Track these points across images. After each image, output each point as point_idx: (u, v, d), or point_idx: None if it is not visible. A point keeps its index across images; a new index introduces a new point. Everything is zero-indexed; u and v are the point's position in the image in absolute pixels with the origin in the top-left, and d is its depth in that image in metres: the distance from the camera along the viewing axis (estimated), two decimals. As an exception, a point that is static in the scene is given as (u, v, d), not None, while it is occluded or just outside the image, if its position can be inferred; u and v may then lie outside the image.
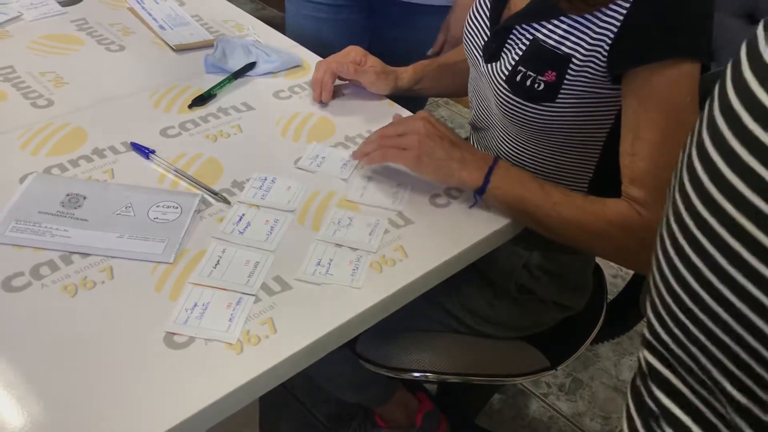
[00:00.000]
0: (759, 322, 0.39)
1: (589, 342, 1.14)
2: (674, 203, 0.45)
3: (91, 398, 0.65)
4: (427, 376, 1.08)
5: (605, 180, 0.94)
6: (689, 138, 0.45)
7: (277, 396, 1.58)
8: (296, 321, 0.75)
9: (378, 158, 0.93)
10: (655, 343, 0.49)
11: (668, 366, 0.49)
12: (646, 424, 0.52)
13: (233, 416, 0.70)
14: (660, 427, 0.50)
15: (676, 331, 0.46)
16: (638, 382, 0.53)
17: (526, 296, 1.07)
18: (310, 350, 0.74)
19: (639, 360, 0.52)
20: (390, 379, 1.15)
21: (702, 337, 0.43)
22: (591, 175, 1.00)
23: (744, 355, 0.41)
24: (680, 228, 0.44)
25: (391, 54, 1.23)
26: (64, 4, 1.31)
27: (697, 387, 0.47)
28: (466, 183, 0.90)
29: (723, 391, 0.44)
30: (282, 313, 0.76)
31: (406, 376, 1.08)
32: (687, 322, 0.44)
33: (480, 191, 0.90)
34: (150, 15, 1.29)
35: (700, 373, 0.46)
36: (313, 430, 1.55)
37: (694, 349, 0.45)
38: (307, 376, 1.01)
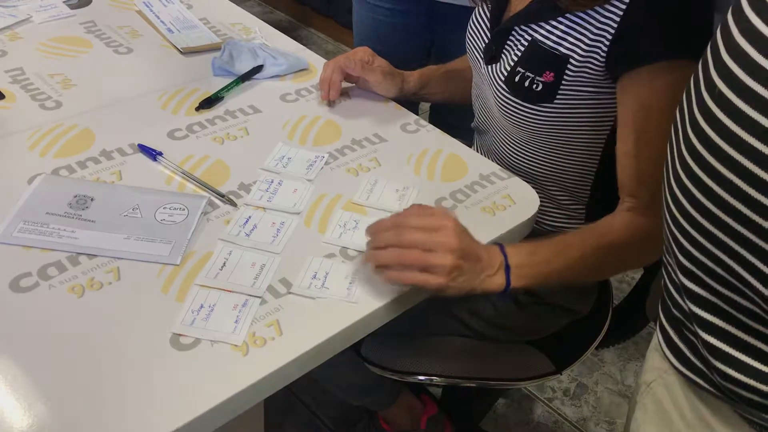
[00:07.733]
0: None
1: (594, 346, 1.13)
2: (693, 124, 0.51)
3: (97, 399, 0.66)
4: (432, 380, 1.08)
5: (607, 183, 0.94)
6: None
7: (282, 399, 1.59)
8: (302, 323, 0.75)
9: (395, 277, 0.79)
10: (684, 261, 0.54)
11: (697, 281, 0.53)
12: (678, 331, 0.58)
13: (238, 418, 0.70)
14: (692, 331, 0.55)
15: (702, 239, 0.51)
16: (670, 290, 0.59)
17: (531, 300, 1.07)
18: (316, 352, 0.74)
19: (668, 273, 0.59)
20: (395, 382, 1.15)
21: (727, 239, 0.48)
22: (593, 177, 1.00)
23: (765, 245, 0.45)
24: (703, 143, 0.49)
25: (452, 59, 1.22)
26: (72, 7, 1.32)
27: (724, 291, 0.51)
28: (490, 292, 0.83)
29: (750, 286, 0.48)
30: (288, 315, 0.76)
31: (411, 379, 1.08)
32: (712, 228, 0.49)
33: (504, 292, 0.84)
34: (158, 18, 1.30)
35: (727, 275, 0.50)
36: (317, 433, 1.55)
37: (719, 253, 0.49)
38: (312, 379, 1.01)
